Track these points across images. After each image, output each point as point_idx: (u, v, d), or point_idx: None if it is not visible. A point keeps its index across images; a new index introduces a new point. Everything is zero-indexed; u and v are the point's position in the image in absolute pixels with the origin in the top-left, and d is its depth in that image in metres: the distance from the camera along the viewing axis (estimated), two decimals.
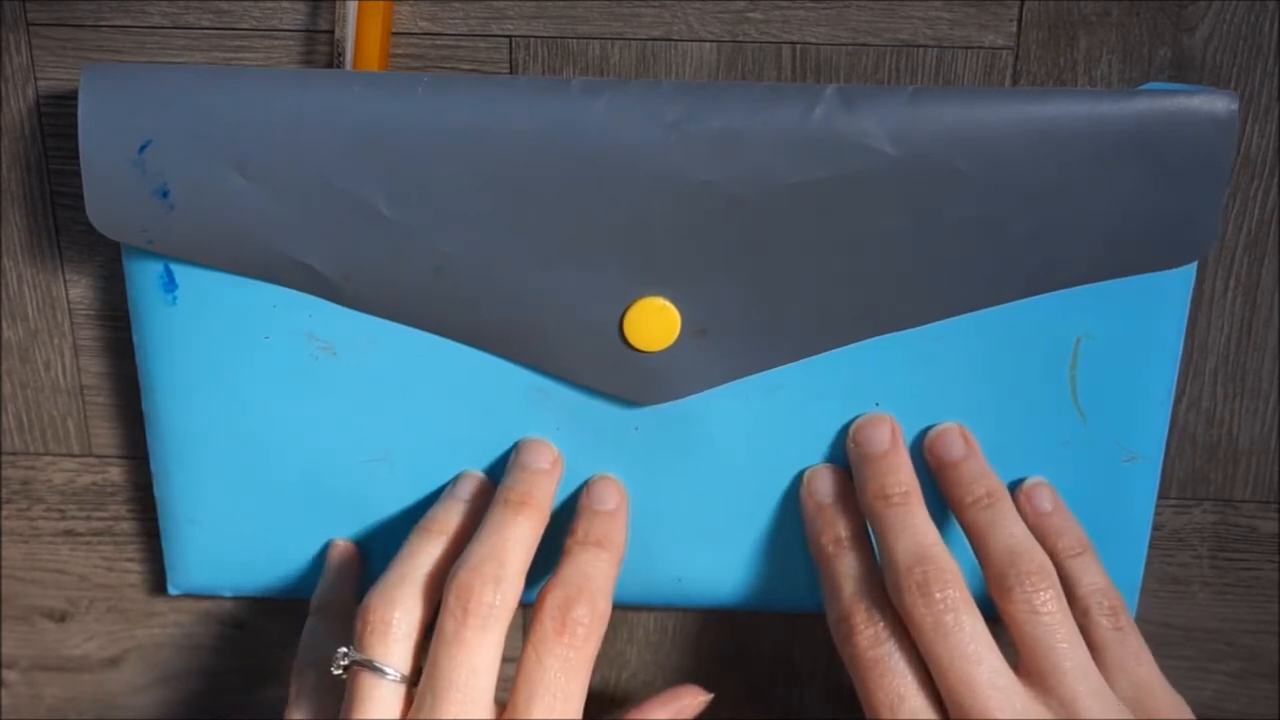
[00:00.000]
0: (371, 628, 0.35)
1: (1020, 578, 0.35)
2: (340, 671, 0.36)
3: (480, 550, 0.36)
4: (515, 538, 0.36)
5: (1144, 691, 0.36)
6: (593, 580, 0.36)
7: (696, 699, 0.42)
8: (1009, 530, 0.36)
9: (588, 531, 0.38)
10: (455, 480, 0.40)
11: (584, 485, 0.40)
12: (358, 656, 0.35)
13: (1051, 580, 0.35)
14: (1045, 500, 0.39)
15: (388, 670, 0.35)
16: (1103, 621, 0.37)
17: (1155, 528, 0.43)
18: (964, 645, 0.34)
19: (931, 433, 0.39)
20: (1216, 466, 0.43)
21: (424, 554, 0.37)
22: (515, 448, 0.40)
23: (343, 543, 0.41)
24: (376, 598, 0.36)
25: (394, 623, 0.35)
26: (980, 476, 0.38)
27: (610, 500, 0.39)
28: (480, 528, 0.37)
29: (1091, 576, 0.38)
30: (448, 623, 0.35)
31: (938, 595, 0.35)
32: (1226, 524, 0.44)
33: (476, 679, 0.34)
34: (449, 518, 0.39)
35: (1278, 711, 0.47)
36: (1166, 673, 0.46)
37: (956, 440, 0.39)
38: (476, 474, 0.40)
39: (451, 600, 0.35)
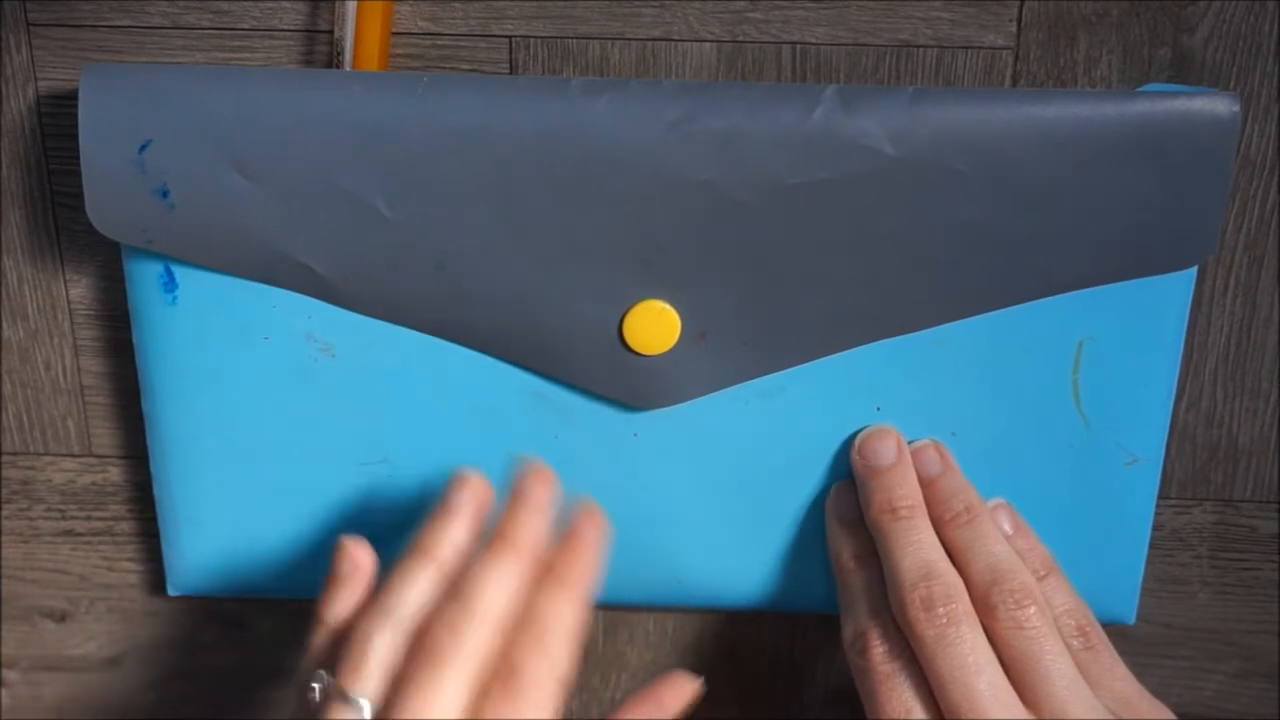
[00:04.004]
0: (350, 659, 0.34)
1: (1004, 596, 0.35)
2: (315, 695, 0.35)
3: (454, 594, 0.35)
4: (491, 582, 0.35)
5: (1123, 704, 0.36)
6: (549, 630, 0.35)
7: (680, 692, 0.39)
8: (989, 549, 0.37)
9: (552, 567, 0.36)
10: (451, 485, 0.38)
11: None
12: (331, 685, 0.34)
13: (1035, 596, 0.36)
14: (1005, 523, 0.40)
15: (360, 701, 0.34)
16: (1073, 643, 0.37)
17: (1155, 528, 0.43)
18: (964, 657, 0.35)
19: (908, 450, 0.39)
20: (1216, 466, 0.43)
21: (413, 585, 0.36)
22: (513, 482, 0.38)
23: (352, 549, 0.38)
24: (358, 633, 0.35)
25: (371, 655, 0.34)
26: (957, 492, 0.38)
27: (585, 534, 0.37)
28: (468, 566, 0.36)
29: (1059, 599, 0.38)
30: (409, 669, 0.34)
31: (941, 610, 0.35)
32: (1226, 524, 0.44)
33: None
34: (441, 542, 0.37)
35: (1278, 711, 0.47)
36: (1166, 673, 0.46)
37: (933, 456, 0.39)
38: (474, 478, 0.38)
39: (415, 646, 0.34)
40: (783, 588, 0.42)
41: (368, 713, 0.34)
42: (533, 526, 0.37)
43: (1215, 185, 0.36)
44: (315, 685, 0.35)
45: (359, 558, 0.38)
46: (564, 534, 0.38)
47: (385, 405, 0.40)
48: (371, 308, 0.38)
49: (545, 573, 0.36)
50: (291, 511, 0.41)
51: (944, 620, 0.35)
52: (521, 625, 0.35)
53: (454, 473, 0.38)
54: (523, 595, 0.36)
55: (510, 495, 0.38)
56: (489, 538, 0.37)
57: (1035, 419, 0.39)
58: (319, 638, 0.37)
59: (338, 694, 0.34)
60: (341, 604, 0.38)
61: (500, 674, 0.34)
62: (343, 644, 0.35)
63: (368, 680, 0.34)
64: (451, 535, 0.37)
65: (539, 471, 0.38)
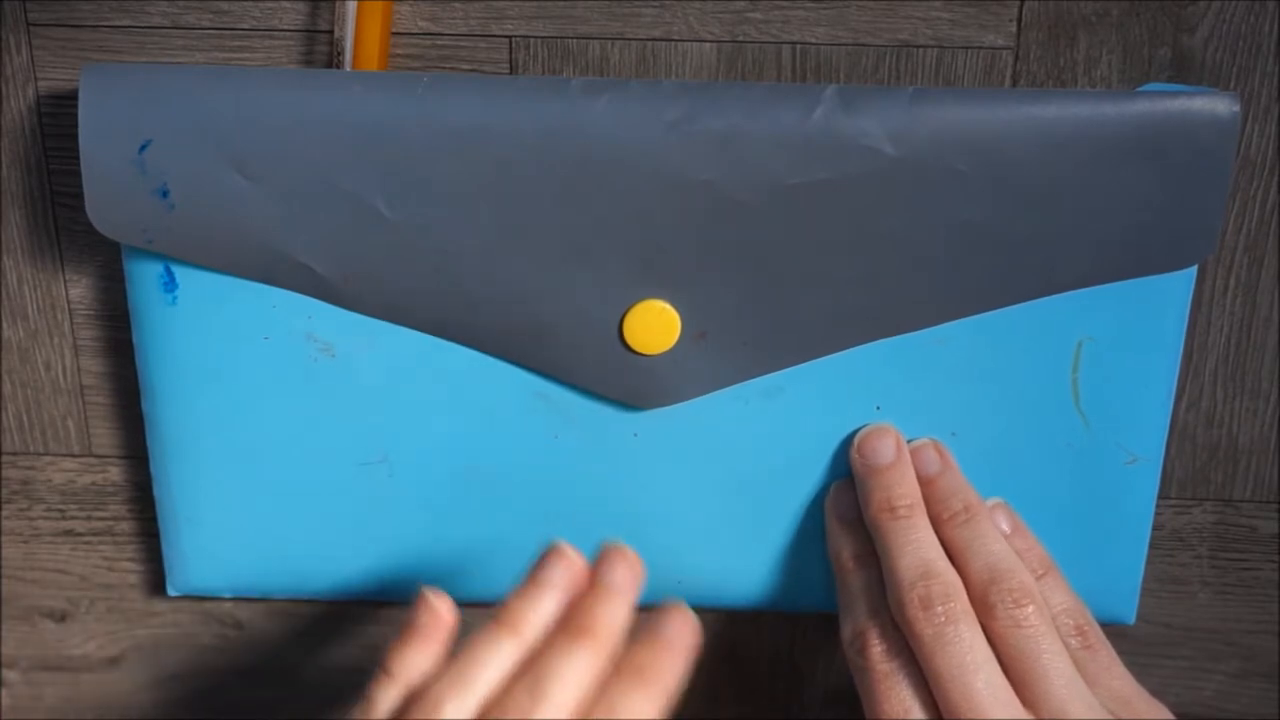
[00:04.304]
0: None
1: (1002, 595, 0.36)
2: None
3: (530, 680, 0.33)
4: (569, 674, 0.33)
5: (1121, 703, 0.36)
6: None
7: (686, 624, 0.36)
8: (988, 548, 0.37)
9: (633, 658, 0.35)
10: (545, 558, 0.36)
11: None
12: None
13: (1033, 596, 0.36)
14: (1003, 522, 0.40)
15: None
16: (1071, 642, 0.37)
17: (1155, 528, 0.43)
18: (962, 655, 0.35)
19: (908, 449, 0.39)
20: (1216, 466, 0.43)
21: (494, 658, 0.34)
22: (596, 564, 0.36)
23: (434, 601, 0.36)
24: (434, 695, 0.33)
25: None
26: (956, 491, 0.38)
27: (672, 628, 0.35)
28: (545, 651, 0.34)
29: (1057, 598, 0.38)
30: None
31: (939, 609, 0.35)
32: (1226, 524, 0.44)
33: None
34: (529, 618, 0.35)
35: (1278, 711, 0.47)
36: (1166, 673, 0.46)
37: (932, 455, 0.39)
38: (569, 553, 0.36)
39: None
40: (783, 588, 0.42)
41: None
42: (615, 616, 0.35)
43: (1215, 185, 0.36)
44: None
45: (441, 612, 0.36)
46: (652, 630, 0.36)
47: (385, 405, 0.40)
48: (371, 308, 0.38)
49: (629, 667, 0.35)
50: (291, 511, 0.41)
51: (942, 619, 0.35)
52: None
53: (550, 544, 0.37)
54: (597, 687, 0.34)
55: (593, 579, 0.36)
56: (568, 622, 0.35)
57: (1035, 419, 0.39)
58: (384, 690, 0.35)
59: None
60: (415, 659, 0.36)
61: None
62: (413, 706, 0.34)
63: None
64: (540, 611, 0.35)
65: (623, 556, 0.36)
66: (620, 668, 0.34)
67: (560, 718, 0.33)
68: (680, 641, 0.35)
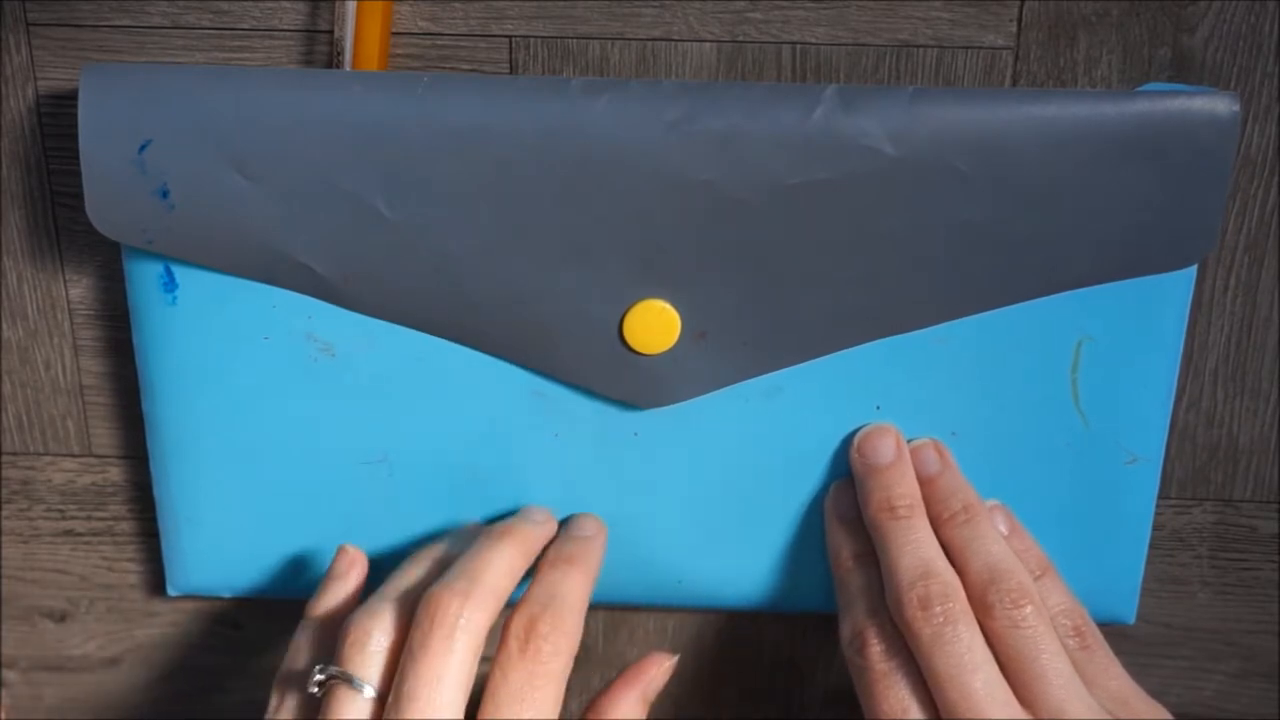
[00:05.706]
0: (350, 641, 0.35)
1: (1001, 595, 0.35)
2: (316, 689, 0.35)
3: (455, 569, 0.36)
4: (493, 559, 0.36)
5: (1119, 703, 0.36)
6: (560, 598, 0.36)
7: (662, 666, 0.40)
8: (987, 548, 0.37)
9: (559, 551, 0.38)
10: (463, 526, 0.41)
11: (564, 521, 0.41)
12: (334, 670, 0.35)
13: (1032, 596, 0.36)
14: (1001, 524, 0.40)
15: (364, 686, 0.35)
16: (1069, 643, 0.37)
17: (1155, 528, 0.43)
18: (961, 655, 0.35)
19: (908, 448, 0.40)
20: (1216, 466, 0.43)
21: (411, 577, 0.38)
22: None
23: (352, 550, 0.40)
24: (358, 614, 0.36)
25: (372, 637, 0.35)
26: (956, 491, 0.39)
27: (587, 529, 0.40)
28: (470, 549, 0.37)
29: (1055, 599, 0.38)
30: (414, 636, 0.34)
31: (938, 609, 0.35)
32: (1226, 524, 0.44)
33: (440, 689, 0.34)
34: (443, 549, 0.39)
35: (1278, 711, 0.47)
36: (1166, 673, 0.46)
37: (931, 455, 0.39)
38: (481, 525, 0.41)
39: (419, 613, 0.35)
40: (783, 588, 0.42)
41: (370, 693, 0.35)
42: (531, 530, 0.39)
43: (1215, 185, 0.36)
44: (316, 673, 0.35)
45: (355, 556, 0.40)
46: (569, 530, 0.40)
47: (385, 405, 0.40)
48: (371, 307, 0.38)
49: (557, 557, 0.38)
50: (291, 511, 0.41)
51: (941, 619, 0.35)
52: (530, 597, 0.36)
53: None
54: (519, 578, 0.37)
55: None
56: (488, 531, 0.38)
57: (1035, 418, 0.39)
58: (303, 631, 0.38)
59: (340, 677, 0.35)
60: (331, 598, 0.39)
61: (518, 638, 0.35)
62: (341, 632, 0.36)
63: (371, 660, 0.35)
64: (453, 546, 0.39)
65: (542, 511, 0.41)
66: (549, 558, 0.38)
67: (496, 598, 0.35)
68: (594, 534, 0.40)
